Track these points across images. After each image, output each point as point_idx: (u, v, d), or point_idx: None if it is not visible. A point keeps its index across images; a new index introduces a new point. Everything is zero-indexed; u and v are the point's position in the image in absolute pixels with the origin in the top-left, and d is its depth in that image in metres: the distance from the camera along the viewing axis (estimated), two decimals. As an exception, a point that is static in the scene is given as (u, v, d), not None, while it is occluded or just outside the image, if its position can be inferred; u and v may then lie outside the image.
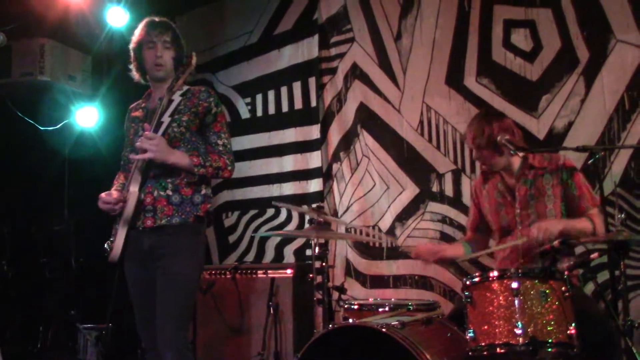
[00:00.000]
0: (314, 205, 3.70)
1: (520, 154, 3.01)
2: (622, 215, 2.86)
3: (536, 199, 3.12)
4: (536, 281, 2.49)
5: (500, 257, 3.28)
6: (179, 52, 3.05)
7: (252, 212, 5.16)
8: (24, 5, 4.54)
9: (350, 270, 4.58)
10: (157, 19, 3.10)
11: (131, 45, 3.12)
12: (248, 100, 5.27)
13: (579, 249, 3.08)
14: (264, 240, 5.04)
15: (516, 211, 3.17)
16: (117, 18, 4.80)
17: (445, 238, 4.20)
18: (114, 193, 2.97)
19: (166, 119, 2.91)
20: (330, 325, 2.92)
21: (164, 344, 2.80)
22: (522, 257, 3.14)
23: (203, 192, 2.97)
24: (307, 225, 4.66)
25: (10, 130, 4.85)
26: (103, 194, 2.96)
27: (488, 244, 3.45)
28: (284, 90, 5.06)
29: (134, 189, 2.88)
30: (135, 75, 3.16)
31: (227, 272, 4.28)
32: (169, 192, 2.90)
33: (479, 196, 3.40)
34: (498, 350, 2.43)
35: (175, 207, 2.89)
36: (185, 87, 3.03)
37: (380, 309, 3.16)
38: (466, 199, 4.10)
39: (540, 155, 3.20)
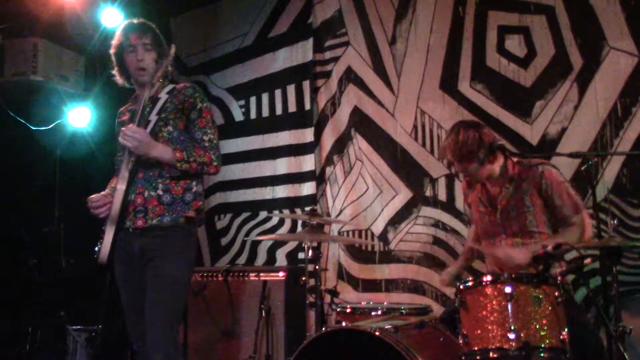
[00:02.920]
0: (307, 209, 3.70)
1: (515, 159, 3.01)
2: (615, 222, 2.88)
3: (516, 210, 3.12)
4: (529, 286, 2.49)
5: (492, 263, 3.28)
6: (161, 53, 3.01)
7: (245, 215, 5.15)
8: (17, 5, 4.51)
9: (342, 274, 4.58)
10: (135, 21, 3.06)
11: (111, 51, 3.07)
12: (242, 102, 5.26)
13: (572, 255, 3.07)
14: (256, 243, 5.03)
15: (498, 221, 3.18)
16: (111, 18, 4.77)
17: (438, 243, 4.21)
18: (100, 195, 2.96)
19: (153, 117, 2.90)
20: (323, 329, 2.92)
21: (153, 346, 2.78)
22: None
23: (194, 189, 2.95)
24: (300, 229, 4.67)
25: (1, 130, 4.82)
26: (93, 196, 2.95)
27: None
28: (278, 93, 5.06)
29: (120, 186, 2.86)
30: (119, 80, 3.12)
31: (219, 275, 4.26)
32: (160, 192, 2.88)
33: (468, 200, 3.43)
34: (491, 354, 2.43)
35: (166, 207, 2.87)
36: (171, 86, 3.02)
37: (372, 313, 3.17)
38: (459, 203, 4.11)
39: (519, 165, 3.17)
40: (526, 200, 3.09)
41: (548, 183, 3.06)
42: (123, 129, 2.85)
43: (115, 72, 3.11)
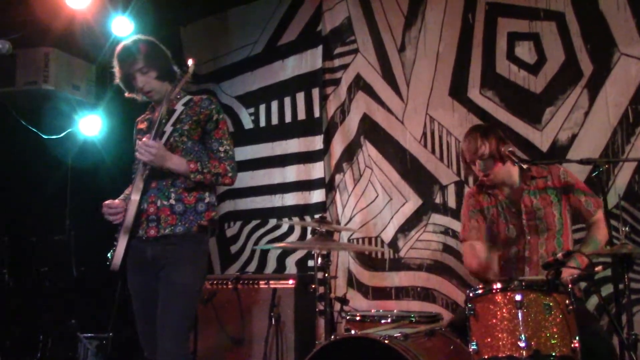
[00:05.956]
0: (316, 216, 3.70)
1: (525, 166, 3.00)
2: (627, 229, 2.86)
3: (543, 209, 3.13)
4: (540, 294, 2.47)
5: (500, 271, 3.26)
6: (161, 66, 3.02)
7: (254, 223, 5.15)
8: (29, 15, 4.57)
9: (352, 282, 4.56)
10: (125, 44, 3.05)
11: (116, 80, 3.11)
12: (251, 110, 5.27)
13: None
14: (265, 250, 5.03)
15: (523, 222, 3.16)
16: (122, 28, 4.80)
17: (448, 250, 4.19)
18: (116, 202, 2.98)
19: (168, 129, 2.93)
20: (333, 337, 2.91)
21: (163, 354, 2.79)
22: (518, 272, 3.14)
23: (207, 200, 2.97)
24: (309, 236, 4.66)
25: (13, 139, 4.87)
26: (107, 201, 2.97)
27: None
28: (287, 100, 5.06)
29: (135, 197, 2.89)
30: (137, 98, 3.17)
31: (229, 283, 4.26)
32: (172, 202, 2.90)
33: (481, 206, 3.36)
34: (501, 363, 2.41)
35: (178, 217, 2.89)
36: (188, 97, 3.05)
37: (382, 321, 3.16)
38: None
39: (536, 168, 3.20)
40: (554, 199, 3.13)
41: (572, 179, 3.15)
42: (138, 142, 2.88)
43: (128, 95, 3.15)
